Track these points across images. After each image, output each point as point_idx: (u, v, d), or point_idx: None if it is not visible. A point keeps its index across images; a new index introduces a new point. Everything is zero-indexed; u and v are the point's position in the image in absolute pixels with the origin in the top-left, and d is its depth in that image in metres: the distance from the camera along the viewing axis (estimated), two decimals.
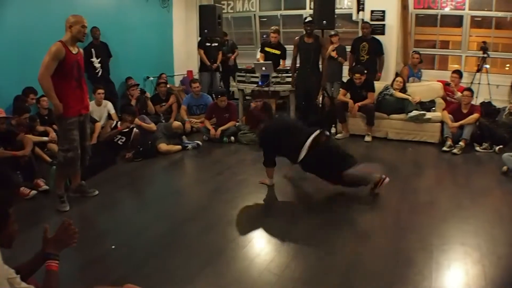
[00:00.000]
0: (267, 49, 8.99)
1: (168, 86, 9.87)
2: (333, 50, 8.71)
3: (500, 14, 9.17)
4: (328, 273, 3.43)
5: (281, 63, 8.88)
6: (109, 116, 7.73)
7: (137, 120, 7.04)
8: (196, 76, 10.86)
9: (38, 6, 7.54)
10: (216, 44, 10.13)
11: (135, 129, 6.80)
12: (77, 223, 4.50)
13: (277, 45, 8.97)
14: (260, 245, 3.98)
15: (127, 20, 9.69)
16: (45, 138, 6.32)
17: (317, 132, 5.08)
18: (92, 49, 8.45)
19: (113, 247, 3.84)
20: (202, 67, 10.17)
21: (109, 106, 7.85)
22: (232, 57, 10.54)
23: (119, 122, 6.81)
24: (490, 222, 4.40)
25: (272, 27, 9.10)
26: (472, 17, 9.43)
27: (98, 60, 8.55)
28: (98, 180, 5.64)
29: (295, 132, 5.18)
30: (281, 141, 5.12)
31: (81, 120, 4.73)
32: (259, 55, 9.78)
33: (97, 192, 5.15)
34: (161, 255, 3.72)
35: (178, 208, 4.89)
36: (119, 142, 6.58)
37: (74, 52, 4.51)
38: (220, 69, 10.26)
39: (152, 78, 10.20)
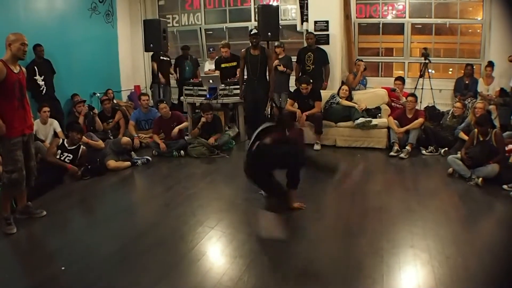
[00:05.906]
0: (223, 65, 8.97)
1: (115, 101, 9.76)
2: (278, 65, 8.81)
3: (439, 21, 9.51)
4: (280, 282, 3.44)
5: (238, 73, 8.74)
6: (55, 134, 7.54)
7: (84, 138, 6.89)
8: (145, 91, 10.84)
9: None
10: (168, 59, 10.15)
11: (82, 146, 6.66)
12: (25, 245, 4.45)
13: (231, 57, 8.95)
14: (213, 259, 3.96)
15: (70, 36, 9.54)
16: None
17: None
18: (35, 67, 8.27)
19: (63, 268, 3.74)
20: (154, 79, 10.17)
21: (55, 124, 7.65)
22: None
23: (65, 140, 6.65)
24: (437, 223, 4.53)
25: (222, 42, 9.07)
26: (413, 24, 9.74)
27: (42, 77, 8.37)
28: (46, 200, 5.49)
29: None
30: None
31: (25, 140, 4.62)
32: (207, 68, 9.88)
33: (44, 213, 5.01)
34: (113, 274, 3.65)
35: (129, 225, 4.79)
36: (66, 160, 6.43)
37: (15, 71, 4.42)
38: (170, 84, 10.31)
39: (98, 94, 10.01)
